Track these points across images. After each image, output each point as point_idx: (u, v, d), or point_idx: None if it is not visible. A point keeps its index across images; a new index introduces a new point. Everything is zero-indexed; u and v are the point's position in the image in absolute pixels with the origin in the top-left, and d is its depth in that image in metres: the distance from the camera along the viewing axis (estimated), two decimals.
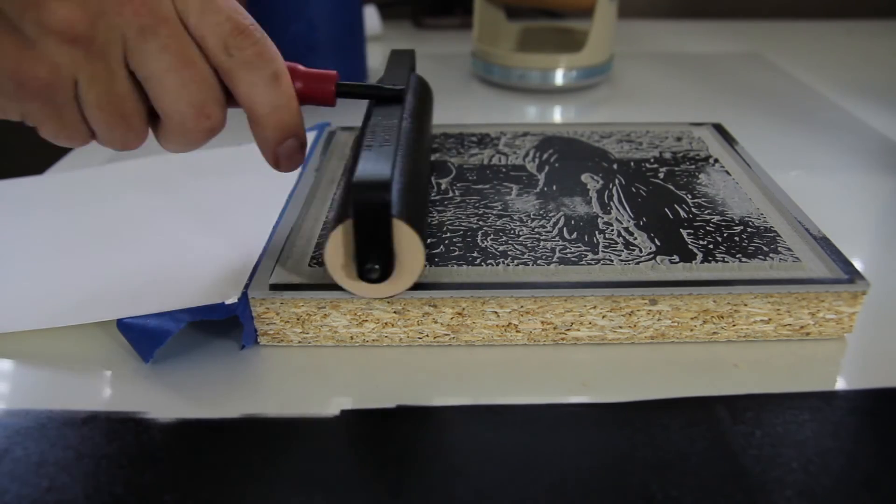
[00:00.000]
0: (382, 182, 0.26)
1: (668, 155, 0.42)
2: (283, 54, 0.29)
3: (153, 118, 0.28)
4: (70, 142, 0.28)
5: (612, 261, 0.31)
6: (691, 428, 0.27)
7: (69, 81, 0.26)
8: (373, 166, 0.27)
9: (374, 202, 0.26)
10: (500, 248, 0.32)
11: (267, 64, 0.28)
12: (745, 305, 0.30)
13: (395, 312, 0.30)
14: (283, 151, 0.29)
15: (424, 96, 0.39)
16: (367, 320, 0.30)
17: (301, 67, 0.30)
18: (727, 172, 0.40)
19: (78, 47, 0.25)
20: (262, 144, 0.29)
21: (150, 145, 0.30)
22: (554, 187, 0.38)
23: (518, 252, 0.32)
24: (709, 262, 0.31)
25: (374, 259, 0.27)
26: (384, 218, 0.26)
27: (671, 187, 0.38)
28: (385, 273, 0.27)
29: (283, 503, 0.24)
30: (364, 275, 0.27)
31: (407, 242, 0.27)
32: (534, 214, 0.35)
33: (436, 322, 0.30)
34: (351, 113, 0.58)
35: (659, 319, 0.30)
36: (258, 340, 0.31)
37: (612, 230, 0.34)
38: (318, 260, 0.32)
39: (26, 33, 0.25)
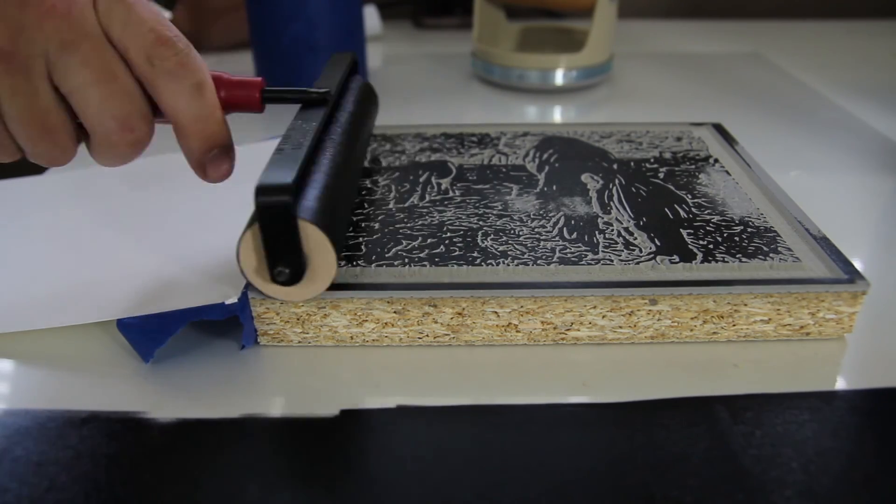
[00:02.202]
0: (284, 186, 0.26)
1: (668, 155, 0.42)
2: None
3: (82, 132, 0.28)
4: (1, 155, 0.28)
5: (612, 261, 0.31)
6: (691, 428, 0.27)
7: None
8: (277, 170, 0.27)
9: (276, 205, 0.26)
10: (500, 248, 0.32)
11: (190, 74, 0.28)
12: (745, 305, 0.30)
13: (395, 312, 0.30)
14: (209, 161, 0.29)
15: (364, 99, 0.39)
16: (367, 320, 0.30)
17: (226, 76, 0.30)
18: (727, 172, 0.40)
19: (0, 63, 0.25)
20: (187, 154, 0.29)
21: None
22: (554, 187, 0.38)
23: (518, 252, 0.32)
24: (709, 262, 0.31)
25: (282, 262, 0.27)
26: (288, 221, 0.26)
27: (671, 187, 0.38)
28: (295, 276, 0.27)
29: (282, 503, 0.24)
30: (274, 278, 0.27)
31: (316, 244, 0.27)
32: (534, 214, 0.35)
33: (436, 322, 0.30)
34: None
35: (659, 319, 0.30)
36: (258, 340, 0.31)
37: (612, 230, 0.34)
38: None
39: None
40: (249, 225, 0.27)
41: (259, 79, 0.31)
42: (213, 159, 0.29)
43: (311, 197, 0.28)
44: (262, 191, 0.26)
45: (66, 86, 0.26)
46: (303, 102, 0.33)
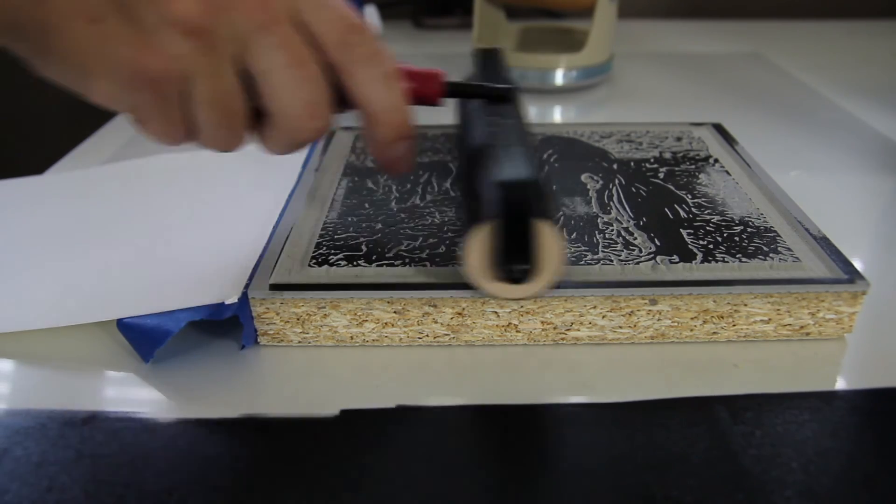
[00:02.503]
0: (531, 182, 0.26)
1: (668, 155, 0.42)
2: None
3: (254, 119, 0.28)
4: (169, 139, 0.27)
5: (612, 261, 0.31)
6: (691, 428, 0.27)
7: (183, 74, 0.25)
8: (515, 167, 0.27)
9: (523, 202, 0.26)
10: None
11: (382, 62, 0.28)
12: (745, 305, 0.30)
13: (395, 312, 0.30)
14: (395, 152, 0.29)
15: (518, 96, 0.39)
16: (367, 320, 0.30)
17: (409, 67, 0.30)
18: (727, 172, 0.40)
19: (195, 41, 0.25)
20: (374, 144, 0.29)
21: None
22: (554, 187, 0.38)
23: None
24: (709, 262, 0.31)
25: (520, 260, 0.27)
26: (531, 218, 0.26)
27: (671, 187, 0.38)
28: (531, 272, 0.27)
29: (282, 503, 0.24)
30: (510, 275, 0.27)
31: (549, 242, 0.27)
32: None
33: (436, 322, 0.30)
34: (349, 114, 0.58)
35: (659, 319, 0.30)
36: (258, 340, 0.31)
37: (612, 230, 0.34)
38: (318, 260, 0.32)
39: (146, 23, 0.24)
40: (480, 221, 0.27)
41: (441, 71, 0.31)
42: (399, 150, 0.29)
43: (538, 193, 0.28)
44: (507, 187, 0.26)
45: (259, 67, 0.26)
46: (484, 97, 0.33)
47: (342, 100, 0.28)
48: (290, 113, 0.27)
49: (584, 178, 0.39)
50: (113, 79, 0.25)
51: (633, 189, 0.38)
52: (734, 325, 0.31)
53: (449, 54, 0.75)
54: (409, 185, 0.38)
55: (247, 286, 0.30)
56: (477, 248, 0.27)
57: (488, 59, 0.38)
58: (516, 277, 0.27)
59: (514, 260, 0.27)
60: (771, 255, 0.32)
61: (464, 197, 0.30)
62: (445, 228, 0.34)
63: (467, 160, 0.32)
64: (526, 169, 0.27)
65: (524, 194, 0.26)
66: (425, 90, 0.30)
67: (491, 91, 0.33)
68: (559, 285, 0.30)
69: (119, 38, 0.24)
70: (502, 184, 0.26)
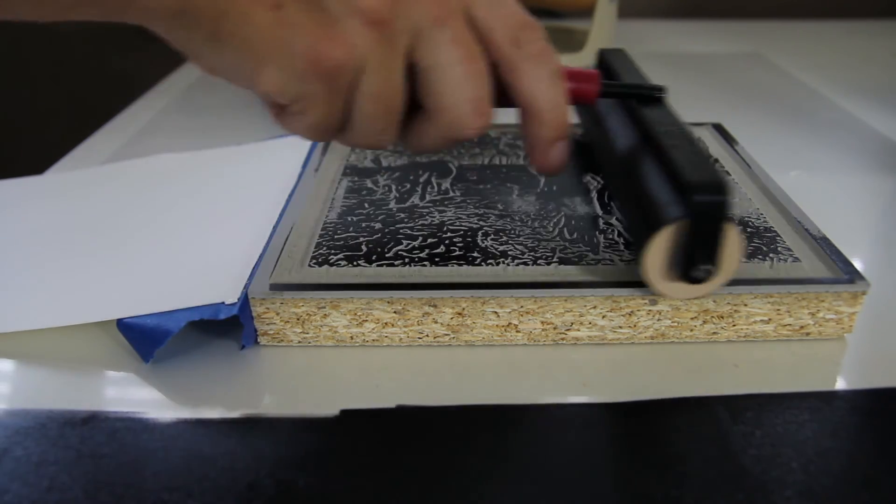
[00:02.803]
0: (721, 184, 0.26)
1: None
2: None
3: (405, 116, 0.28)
4: (324, 133, 0.27)
5: (612, 261, 0.31)
6: (691, 428, 0.27)
7: (359, 65, 0.25)
8: (702, 168, 0.27)
9: (714, 204, 0.26)
10: (501, 248, 0.32)
11: (551, 60, 0.28)
12: (745, 305, 0.30)
13: (395, 312, 0.30)
14: (555, 152, 0.29)
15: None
16: (367, 320, 0.30)
17: (568, 66, 0.30)
18: (727, 172, 0.40)
19: (376, 31, 0.24)
20: (536, 143, 0.29)
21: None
22: (554, 187, 0.38)
23: (518, 252, 0.32)
24: None
25: (706, 260, 0.27)
26: (721, 219, 0.26)
27: None
28: (714, 272, 0.28)
29: (281, 502, 0.24)
30: (694, 275, 0.27)
31: (732, 242, 0.27)
32: (534, 214, 0.35)
33: (436, 322, 0.30)
34: None
35: (659, 319, 0.30)
36: (258, 340, 0.31)
37: (613, 230, 0.34)
38: (318, 260, 0.32)
39: (330, 11, 0.24)
40: (662, 223, 0.27)
41: (596, 71, 0.31)
42: (559, 150, 0.29)
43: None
44: (698, 188, 0.26)
45: (430, 61, 0.26)
46: (637, 98, 0.33)
47: (499, 98, 0.28)
48: (455, 108, 0.27)
49: (584, 178, 0.39)
50: (287, 67, 0.25)
51: None
52: (734, 325, 0.31)
53: None
54: (408, 185, 0.38)
55: (247, 286, 0.30)
56: (659, 249, 0.27)
57: (617, 60, 0.38)
58: (699, 278, 0.28)
59: (701, 260, 0.27)
60: (771, 255, 0.32)
61: (624, 199, 0.31)
62: (445, 228, 0.34)
63: (628, 161, 0.32)
64: (714, 170, 0.27)
65: (716, 196, 0.26)
66: (584, 90, 0.30)
67: (644, 91, 0.33)
68: (559, 285, 0.30)
69: (301, 25, 0.24)
70: (694, 185, 0.26)
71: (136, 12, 0.23)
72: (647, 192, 0.29)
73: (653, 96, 0.33)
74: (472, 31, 0.26)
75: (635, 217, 0.30)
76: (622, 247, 0.32)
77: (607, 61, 0.39)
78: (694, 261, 0.27)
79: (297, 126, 0.27)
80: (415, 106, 0.28)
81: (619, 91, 0.32)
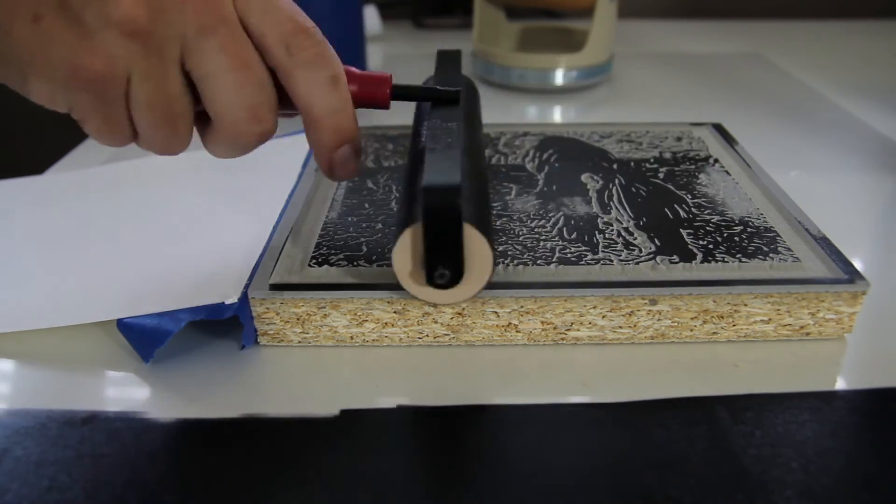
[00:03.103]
0: (453, 187, 0.26)
1: (668, 155, 0.42)
2: None
3: (200, 122, 0.28)
4: (111, 140, 0.27)
5: (611, 261, 0.31)
6: (691, 428, 0.27)
7: (122, 76, 0.25)
8: (441, 171, 0.27)
9: (445, 207, 0.26)
10: (500, 248, 0.32)
11: (327, 66, 0.27)
12: (745, 305, 0.30)
13: (395, 312, 0.30)
14: (339, 157, 0.29)
15: (472, 97, 0.39)
16: (367, 320, 0.30)
17: (355, 70, 0.30)
18: (727, 172, 0.40)
19: (136, 42, 0.24)
20: (317, 149, 0.29)
21: None
22: (554, 187, 0.38)
23: (518, 252, 0.32)
24: (709, 262, 0.31)
25: (444, 264, 0.27)
26: (455, 223, 0.26)
27: (671, 187, 0.38)
28: (455, 278, 0.27)
29: (282, 503, 0.24)
30: (433, 280, 0.27)
31: (476, 247, 0.27)
32: (533, 214, 0.35)
33: (436, 322, 0.30)
34: None
35: (659, 319, 0.30)
36: (258, 340, 0.31)
37: (612, 230, 0.34)
38: (318, 260, 0.32)
39: (87, 23, 0.24)
40: (406, 224, 0.27)
41: (387, 74, 0.31)
42: (343, 155, 0.29)
43: (467, 199, 0.28)
44: (429, 192, 0.26)
45: (200, 70, 0.26)
46: (432, 100, 0.33)
47: (289, 103, 0.28)
48: (230, 116, 0.27)
49: (584, 178, 0.39)
50: (51, 78, 0.25)
51: (633, 189, 0.38)
52: (734, 325, 0.31)
53: None
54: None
55: (247, 286, 0.30)
56: (403, 252, 0.27)
57: (447, 61, 0.38)
58: (439, 283, 0.27)
59: (437, 265, 0.27)
60: (771, 255, 0.32)
61: (402, 199, 0.31)
62: None
63: (411, 163, 0.32)
64: (451, 174, 0.26)
65: (446, 199, 0.26)
66: (372, 93, 0.30)
67: (437, 94, 0.33)
68: (559, 285, 0.30)
69: (59, 37, 0.24)
70: (424, 189, 0.26)
71: None
72: (403, 195, 0.29)
73: (447, 99, 0.33)
74: (246, 37, 0.26)
75: (398, 219, 0.30)
76: (621, 247, 0.32)
77: (439, 60, 0.39)
78: (431, 265, 0.27)
79: (88, 132, 0.27)
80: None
81: (411, 94, 0.32)
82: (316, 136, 0.28)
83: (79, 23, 0.24)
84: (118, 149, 0.51)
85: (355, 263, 0.31)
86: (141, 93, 0.26)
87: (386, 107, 0.31)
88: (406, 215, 0.28)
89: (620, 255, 0.32)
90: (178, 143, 0.28)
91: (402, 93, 0.31)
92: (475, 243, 0.27)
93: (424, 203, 0.26)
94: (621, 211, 0.35)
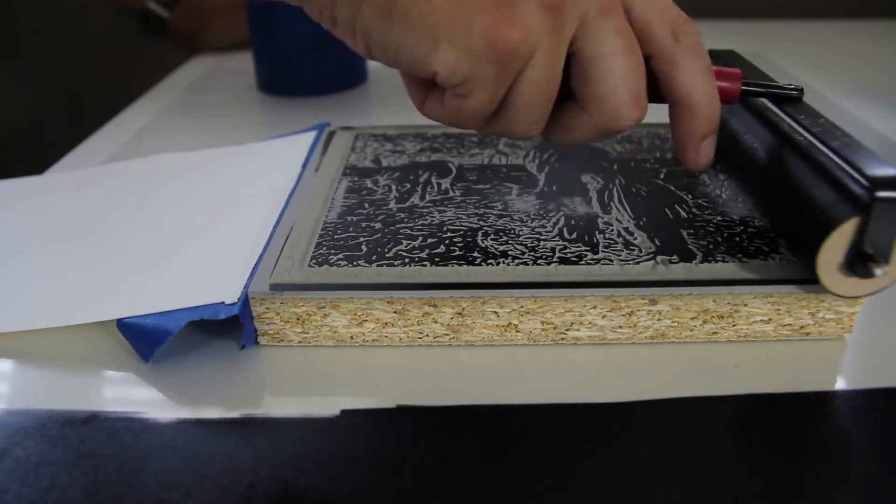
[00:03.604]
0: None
1: (668, 155, 0.42)
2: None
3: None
4: (478, 120, 0.27)
5: (612, 261, 0.31)
6: (691, 428, 0.26)
7: (531, 49, 0.25)
8: (877, 165, 0.27)
9: (892, 198, 0.26)
10: (501, 248, 0.32)
11: (705, 55, 0.28)
12: (745, 305, 0.30)
13: (395, 312, 0.30)
14: (706, 146, 0.29)
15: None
16: (367, 320, 0.30)
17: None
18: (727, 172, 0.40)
19: (550, 16, 0.24)
20: (688, 137, 0.29)
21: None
22: (554, 187, 0.38)
23: (518, 252, 0.32)
24: (709, 262, 0.31)
25: (881, 255, 0.27)
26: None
27: (671, 187, 0.38)
28: (887, 266, 0.27)
29: (282, 502, 0.24)
30: (868, 272, 0.27)
31: None
32: (534, 214, 0.35)
33: (436, 322, 0.30)
34: (350, 113, 0.58)
35: (659, 319, 0.30)
36: (258, 340, 0.31)
37: (613, 230, 0.34)
38: (318, 260, 0.32)
39: None
40: (836, 221, 0.27)
41: (739, 70, 0.31)
42: (709, 145, 0.29)
43: None
44: (882, 184, 0.26)
45: (594, 50, 0.26)
46: (776, 98, 0.33)
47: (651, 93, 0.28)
48: (616, 100, 0.27)
49: (584, 178, 0.39)
50: (463, 46, 0.24)
51: (634, 189, 0.38)
52: (734, 325, 0.31)
53: None
54: (408, 185, 0.38)
55: (247, 286, 0.30)
56: (835, 246, 0.27)
57: (735, 62, 0.38)
58: (875, 273, 0.27)
59: (872, 257, 0.27)
60: (771, 255, 0.32)
61: (777, 199, 0.31)
62: (445, 228, 0.34)
63: (778, 161, 0.32)
64: (882, 165, 0.27)
65: (891, 189, 0.26)
66: (727, 88, 0.30)
67: (782, 91, 0.33)
68: (559, 285, 0.30)
69: (480, 4, 0.24)
70: (876, 180, 0.26)
71: None
72: (813, 192, 0.29)
73: (791, 96, 0.33)
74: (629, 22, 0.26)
75: (796, 217, 0.30)
76: (622, 247, 0.32)
77: (739, 60, 0.39)
78: (869, 257, 0.27)
79: (454, 110, 0.27)
80: (561, 97, 0.27)
81: (759, 90, 0.32)
82: (691, 124, 0.29)
83: None
84: (118, 149, 0.52)
85: (355, 263, 0.31)
86: (536, 69, 0.25)
87: (735, 101, 0.31)
88: (828, 213, 0.28)
89: (620, 255, 0.32)
90: (540, 126, 0.28)
91: (752, 89, 0.31)
92: None
93: (876, 195, 0.26)
94: (621, 211, 0.35)
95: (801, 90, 0.33)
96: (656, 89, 0.29)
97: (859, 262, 0.27)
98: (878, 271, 0.27)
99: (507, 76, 0.25)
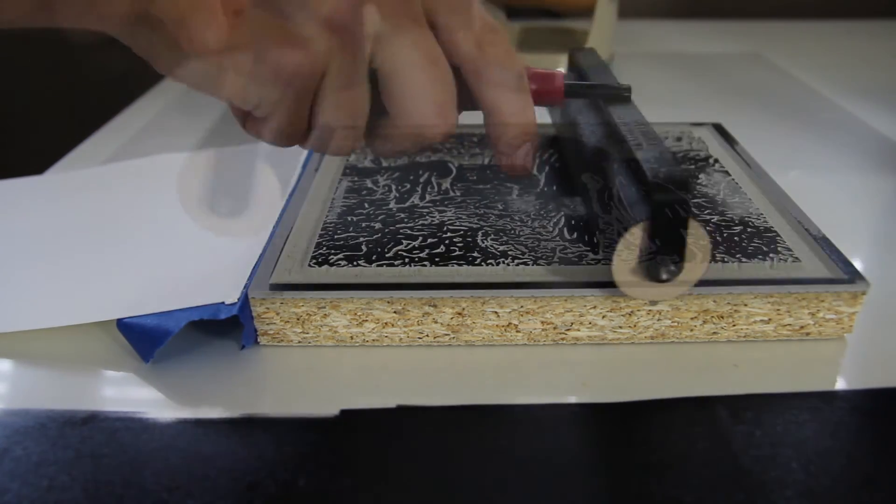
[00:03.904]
0: (683, 180, 0.26)
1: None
2: None
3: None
4: (288, 139, 0.27)
5: (612, 261, 0.31)
6: (691, 428, 0.27)
7: (320, 70, 0.25)
8: (661, 166, 0.27)
9: (676, 201, 0.26)
10: (501, 248, 0.32)
11: (515, 63, 0.28)
12: (745, 305, 0.30)
13: (395, 312, 0.30)
14: (521, 154, 0.29)
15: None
16: (367, 320, 0.30)
17: (530, 67, 0.30)
18: (727, 172, 0.40)
19: (337, 36, 0.25)
20: (502, 146, 0.29)
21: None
22: (554, 187, 0.38)
23: (518, 252, 0.32)
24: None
25: (668, 259, 0.27)
26: (684, 216, 0.26)
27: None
28: (678, 272, 0.27)
29: (282, 502, 0.24)
30: (658, 275, 0.27)
31: (696, 240, 0.27)
32: (534, 214, 0.35)
33: (436, 322, 0.30)
34: None
35: (659, 319, 0.30)
36: (258, 340, 0.31)
37: (613, 230, 0.34)
38: (318, 260, 0.32)
39: (291, 17, 0.24)
40: (628, 224, 0.27)
41: (559, 71, 0.31)
42: (525, 151, 0.29)
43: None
44: (659, 187, 0.26)
45: (391, 66, 0.26)
46: (603, 97, 0.33)
47: (464, 101, 0.28)
48: (416, 112, 0.27)
49: (584, 178, 0.39)
50: (248, 72, 0.24)
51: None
52: (734, 325, 0.31)
53: None
54: (408, 185, 0.38)
55: (247, 286, 0.30)
56: (626, 250, 0.27)
57: (587, 60, 0.38)
58: (664, 278, 0.27)
59: (665, 260, 0.27)
60: (771, 255, 0.32)
61: (597, 198, 0.31)
62: (445, 228, 0.34)
63: (595, 159, 0.32)
64: (676, 168, 0.27)
65: (676, 194, 0.26)
66: (548, 91, 0.30)
67: (608, 91, 0.33)
68: (559, 285, 0.30)
69: (264, 31, 0.24)
70: (656, 184, 0.26)
71: (94, 19, 0.23)
72: (616, 193, 0.29)
73: (620, 95, 0.33)
74: (434, 34, 0.26)
75: (600, 217, 0.30)
76: (622, 247, 0.32)
77: (577, 62, 0.39)
78: (660, 260, 0.27)
79: (262, 131, 0.27)
80: (375, 110, 0.27)
81: (584, 91, 0.32)
82: (500, 134, 0.29)
83: (283, 16, 0.24)
84: (118, 149, 0.52)
85: (355, 263, 0.31)
86: (333, 89, 0.25)
87: (559, 104, 0.31)
88: (624, 213, 0.28)
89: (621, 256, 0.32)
90: (353, 143, 0.28)
91: (576, 90, 0.31)
92: (696, 236, 0.27)
93: (657, 198, 0.26)
94: (622, 211, 0.35)
95: (627, 89, 0.32)
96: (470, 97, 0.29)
97: (652, 265, 0.27)
98: (666, 276, 0.27)
99: (301, 97, 0.25)
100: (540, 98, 0.30)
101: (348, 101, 0.26)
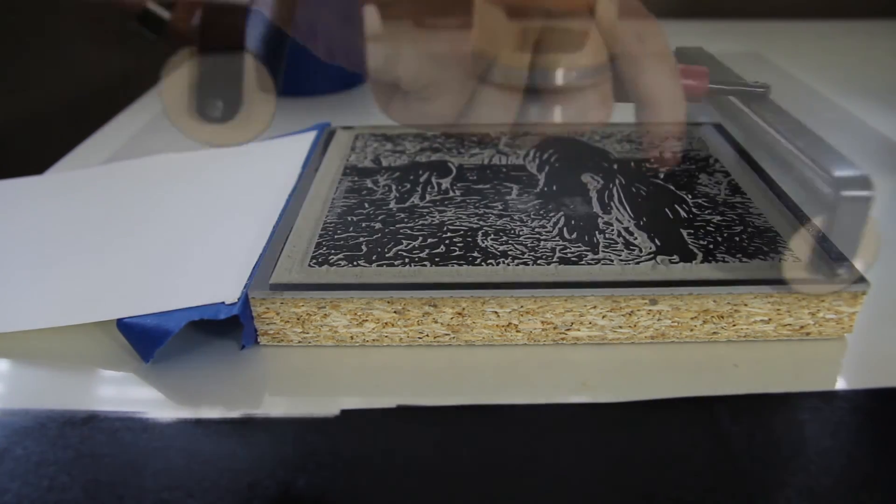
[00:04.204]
0: (866, 179, 0.27)
1: (668, 155, 0.42)
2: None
3: None
4: (442, 121, 0.28)
5: (612, 261, 0.31)
6: (691, 428, 0.27)
7: (493, 53, 0.26)
8: (842, 164, 0.27)
9: (863, 199, 0.27)
10: (501, 248, 0.32)
11: (671, 56, 0.28)
12: (745, 305, 0.30)
13: (395, 312, 0.30)
14: (674, 146, 0.29)
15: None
16: (367, 320, 0.30)
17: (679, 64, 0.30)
18: (727, 172, 0.40)
19: (515, 20, 0.25)
20: (654, 137, 0.29)
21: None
22: (554, 187, 0.38)
23: (518, 252, 0.32)
24: (709, 262, 0.31)
25: (216, 95, 0.25)
26: (234, 45, 0.24)
27: (671, 187, 0.38)
28: (229, 112, 0.25)
29: (282, 502, 0.24)
30: (205, 112, 0.25)
31: (257, 81, 0.25)
32: (534, 214, 0.35)
33: (436, 322, 0.30)
34: (350, 113, 0.58)
35: (659, 319, 0.30)
36: (258, 340, 0.31)
37: (613, 230, 0.34)
38: (318, 260, 0.32)
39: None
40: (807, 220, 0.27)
41: (705, 68, 0.31)
42: (675, 144, 0.29)
43: (260, 24, 0.25)
44: (846, 183, 0.26)
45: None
46: (741, 96, 0.33)
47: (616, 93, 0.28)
48: (581, 99, 0.27)
49: (584, 178, 0.39)
50: (425, 52, 0.25)
51: (634, 189, 0.38)
52: (734, 325, 0.31)
53: None
54: (408, 185, 0.38)
55: (247, 286, 0.30)
56: (176, 81, 0.25)
57: (702, 60, 0.38)
58: (211, 115, 0.25)
59: (209, 95, 0.25)
60: (771, 255, 0.32)
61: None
62: (445, 228, 0.34)
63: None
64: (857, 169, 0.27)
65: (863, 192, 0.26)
66: (694, 87, 0.30)
67: (747, 89, 0.33)
68: (559, 285, 0.30)
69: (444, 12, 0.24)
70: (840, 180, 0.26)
71: None
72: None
73: (758, 94, 0.33)
74: (595, 23, 0.27)
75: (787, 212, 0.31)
76: (622, 247, 0.32)
77: (687, 60, 0.39)
78: (205, 95, 0.25)
79: (418, 113, 0.27)
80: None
81: (726, 90, 0.32)
82: (657, 127, 0.29)
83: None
84: (118, 149, 0.52)
85: (355, 263, 0.31)
86: (498, 75, 0.26)
87: (700, 100, 0.31)
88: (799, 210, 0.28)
89: (621, 255, 0.32)
90: (509, 119, 0.28)
91: (719, 87, 0.32)
92: (255, 77, 0.25)
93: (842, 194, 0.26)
94: (622, 211, 0.35)
95: (767, 88, 0.33)
96: (623, 89, 0.29)
97: (201, 101, 0.25)
98: (214, 113, 0.24)
99: (470, 80, 0.25)
100: (687, 93, 0.30)
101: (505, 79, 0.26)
